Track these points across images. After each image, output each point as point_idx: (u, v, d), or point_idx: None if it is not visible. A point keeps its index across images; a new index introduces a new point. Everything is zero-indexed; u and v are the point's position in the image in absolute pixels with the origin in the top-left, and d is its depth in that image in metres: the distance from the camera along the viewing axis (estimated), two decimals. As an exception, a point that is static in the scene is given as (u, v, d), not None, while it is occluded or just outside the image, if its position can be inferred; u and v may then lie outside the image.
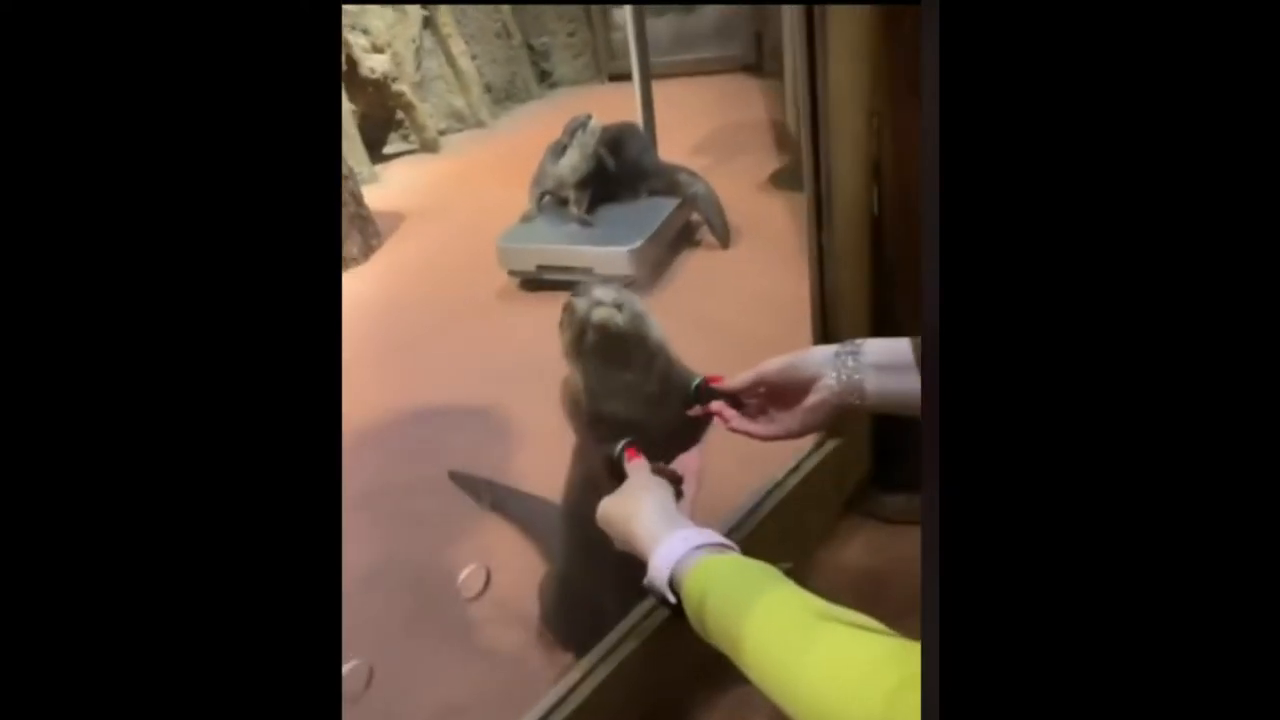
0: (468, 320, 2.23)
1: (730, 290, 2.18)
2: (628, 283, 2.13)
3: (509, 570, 1.42)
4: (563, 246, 2.18)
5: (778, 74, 3.46)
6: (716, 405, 0.97)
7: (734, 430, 0.96)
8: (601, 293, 0.94)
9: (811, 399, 0.89)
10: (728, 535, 0.79)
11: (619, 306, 0.94)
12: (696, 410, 0.99)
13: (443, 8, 3.56)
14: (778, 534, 1.22)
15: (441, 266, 2.56)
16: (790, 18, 2.59)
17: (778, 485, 1.24)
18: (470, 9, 3.70)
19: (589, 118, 2.22)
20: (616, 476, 0.93)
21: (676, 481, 0.89)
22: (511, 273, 2.27)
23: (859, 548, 1.38)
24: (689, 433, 1.04)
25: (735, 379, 0.95)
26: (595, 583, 1.12)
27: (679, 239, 2.37)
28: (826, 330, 1.25)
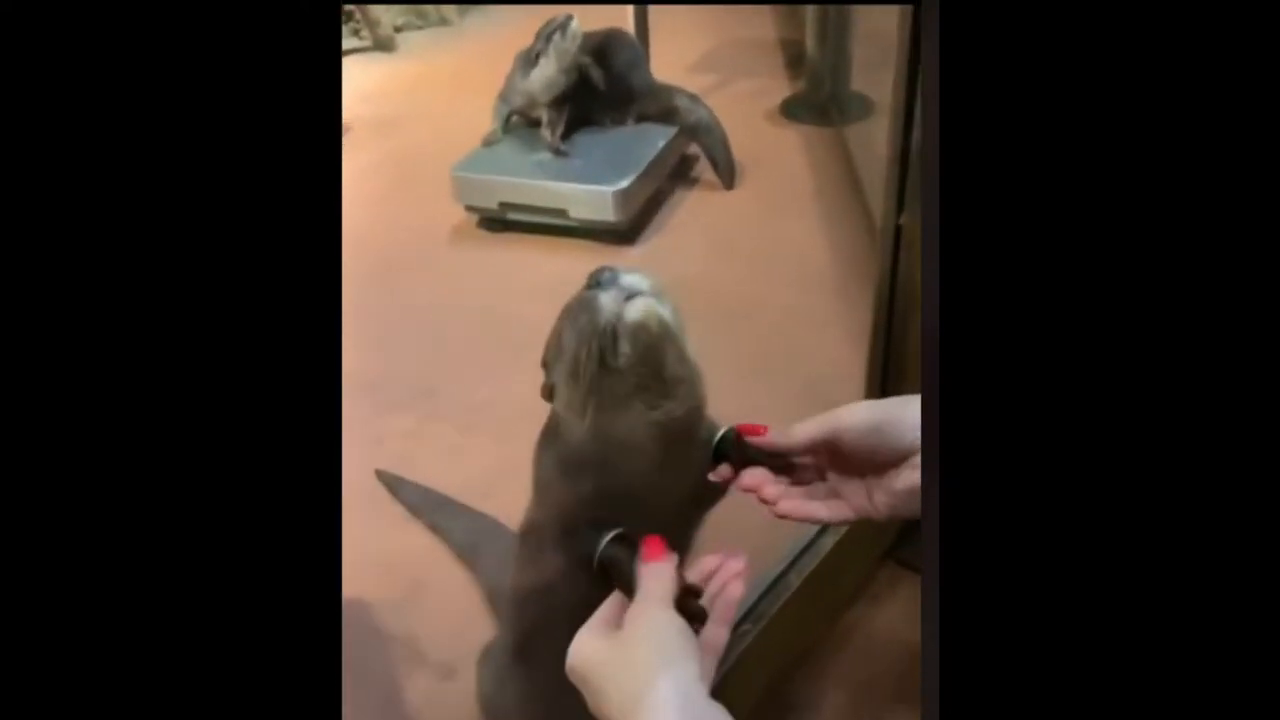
0: (411, 267, 1.84)
1: (734, 242, 1.83)
2: (612, 228, 1.75)
3: (439, 606, 1.10)
4: (531, 181, 1.79)
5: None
6: (753, 478, 0.63)
7: (783, 516, 0.62)
8: (631, 279, 0.60)
9: (907, 478, 0.58)
10: (749, 613, 0.68)
11: (659, 296, 0.60)
12: (722, 474, 0.65)
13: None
14: (808, 606, 0.91)
15: (385, 196, 2.15)
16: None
17: (809, 548, 0.91)
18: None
19: (569, 19, 1.80)
20: (610, 583, 0.60)
21: (701, 619, 0.56)
22: (469, 208, 1.87)
23: (899, 609, 1.08)
24: (699, 502, 0.70)
25: (790, 433, 0.61)
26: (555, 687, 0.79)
27: (673, 176, 1.98)
28: (891, 331, 0.90)
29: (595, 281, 0.59)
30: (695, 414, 0.65)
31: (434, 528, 1.21)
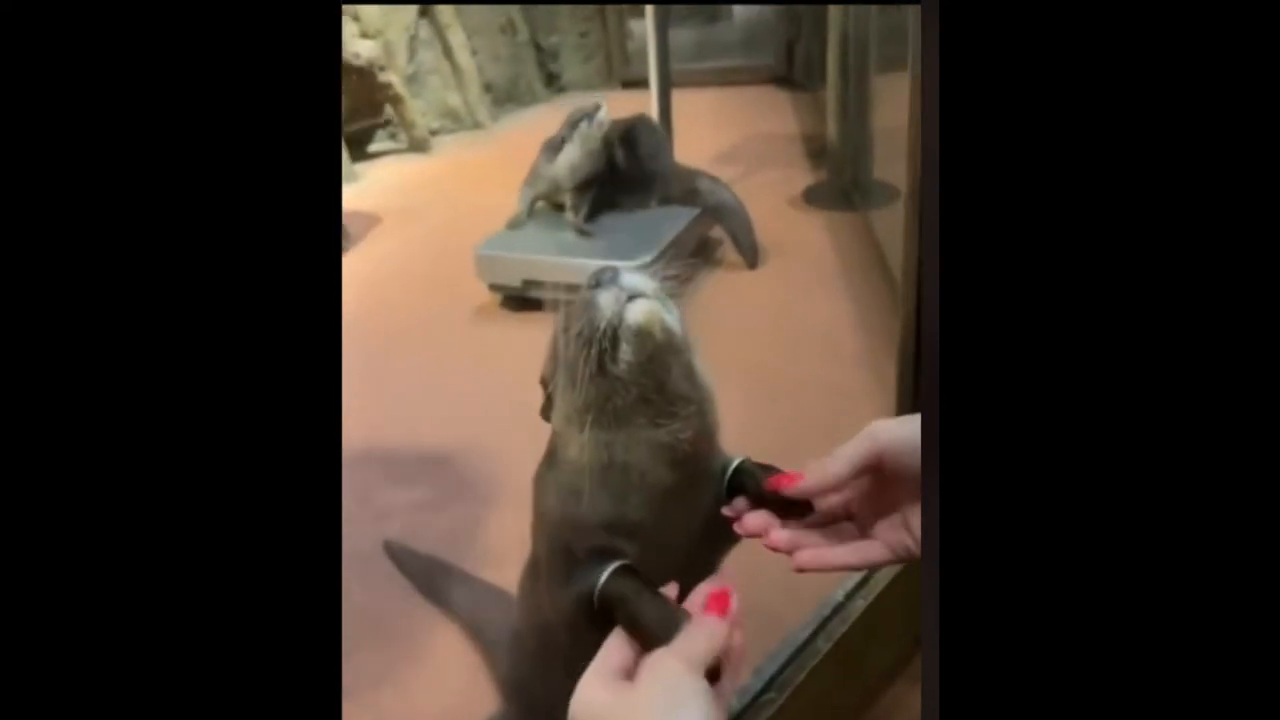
0: (435, 343, 1.84)
1: (761, 319, 1.80)
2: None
3: (441, 680, 1.05)
4: (553, 258, 1.79)
5: (811, 87, 3.13)
6: (756, 522, 0.57)
7: (805, 568, 0.56)
8: (633, 280, 0.55)
9: None
10: (773, 680, 0.64)
11: (664, 301, 0.56)
12: (737, 508, 0.59)
13: (443, -4, 3.21)
14: (839, 677, 0.82)
15: (413, 276, 2.17)
16: (836, 24, 2.24)
17: (838, 610, 0.83)
18: (474, 1, 3.36)
19: (598, 106, 1.84)
20: (610, 620, 0.55)
21: (716, 677, 0.49)
22: (493, 287, 1.88)
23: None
24: (712, 543, 0.64)
25: (828, 468, 0.55)
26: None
27: (697, 256, 1.97)
28: (919, 372, 0.85)
29: (595, 281, 0.55)
30: (705, 440, 0.59)
31: (438, 601, 1.15)
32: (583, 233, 1.85)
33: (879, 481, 0.55)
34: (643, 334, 0.53)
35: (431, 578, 1.17)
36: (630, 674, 0.51)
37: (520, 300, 1.85)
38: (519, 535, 1.30)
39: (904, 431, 0.53)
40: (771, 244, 2.03)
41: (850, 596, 0.86)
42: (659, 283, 0.56)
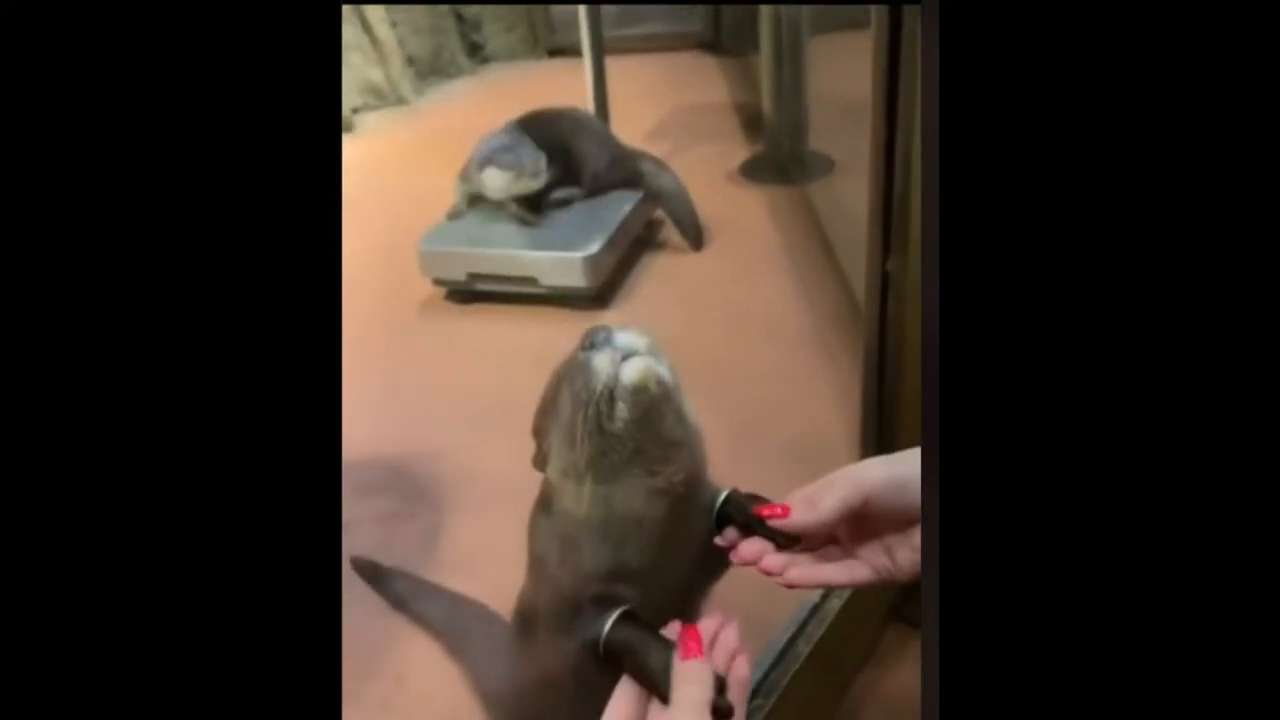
0: (382, 343, 1.80)
1: (707, 303, 1.81)
2: (582, 295, 1.73)
3: (424, 699, 1.06)
4: (500, 251, 1.77)
5: (740, 52, 3.12)
6: (751, 550, 0.59)
7: (793, 585, 0.59)
8: (626, 338, 0.57)
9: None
10: (760, 686, 0.65)
11: (656, 355, 0.58)
12: (729, 539, 0.61)
13: (357, -34, 3.07)
14: (820, 674, 0.86)
15: (352, 271, 2.10)
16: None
17: (815, 612, 0.87)
18: (390, -30, 3.23)
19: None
20: (617, 667, 0.56)
21: (729, 716, 0.51)
22: (437, 281, 1.85)
23: (910, 671, 1.03)
24: (704, 572, 0.66)
25: (818, 509, 0.57)
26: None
27: (640, 241, 1.98)
28: (883, 382, 0.88)
29: (590, 342, 0.56)
30: (696, 479, 0.61)
31: (415, 616, 1.15)
32: (526, 222, 1.83)
33: (861, 515, 0.57)
34: (639, 391, 0.55)
35: (404, 593, 1.17)
36: None
37: (466, 293, 1.83)
38: (486, 543, 1.31)
39: (887, 473, 0.56)
40: (713, 223, 2.04)
41: (825, 597, 0.89)
42: (650, 339, 0.57)
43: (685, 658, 0.53)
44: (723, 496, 0.63)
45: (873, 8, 0.70)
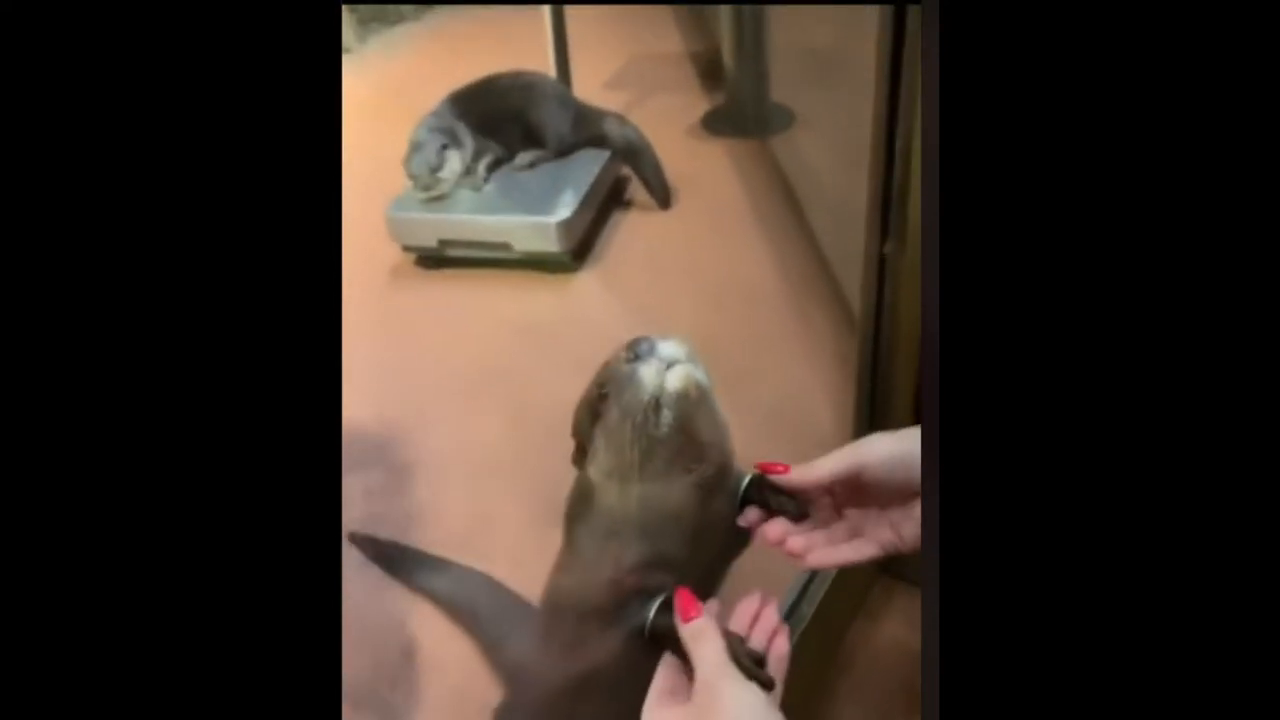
0: (354, 312, 1.76)
1: (678, 264, 1.83)
2: (556, 259, 1.74)
3: (435, 669, 1.09)
4: (472, 217, 1.75)
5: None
6: (777, 531, 0.63)
7: (814, 566, 0.63)
8: (669, 349, 0.61)
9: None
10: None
11: (694, 362, 0.62)
12: (750, 519, 0.65)
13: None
14: (823, 633, 0.92)
15: (312, 235, 2.07)
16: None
17: (814, 576, 0.92)
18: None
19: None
20: (659, 649, 0.61)
21: (771, 687, 0.56)
22: (406, 247, 1.83)
23: (898, 622, 1.10)
24: (727, 551, 0.70)
25: (813, 469, 0.61)
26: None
27: (608, 200, 1.97)
28: (876, 370, 0.92)
29: (635, 355, 0.59)
30: (725, 470, 0.65)
31: (419, 589, 1.17)
32: (475, 189, 1.81)
33: (862, 489, 0.62)
34: (682, 398, 0.58)
35: (405, 566, 1.19)
36: (682, 694, 0.57)
37: (437, 259, 1.81)
38: (478, 514, 1.33)
39: (889, 448, 0.60)
40: (678, 179, 2.04)
41: (825, 562, 0.94)
42: (689, 347, 0.60)
43: (686, 621, 0.57)
44: (747, 480, 0.66)
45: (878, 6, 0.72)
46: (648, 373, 0.59)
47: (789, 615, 0.89)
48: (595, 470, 0.63)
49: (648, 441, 0.59)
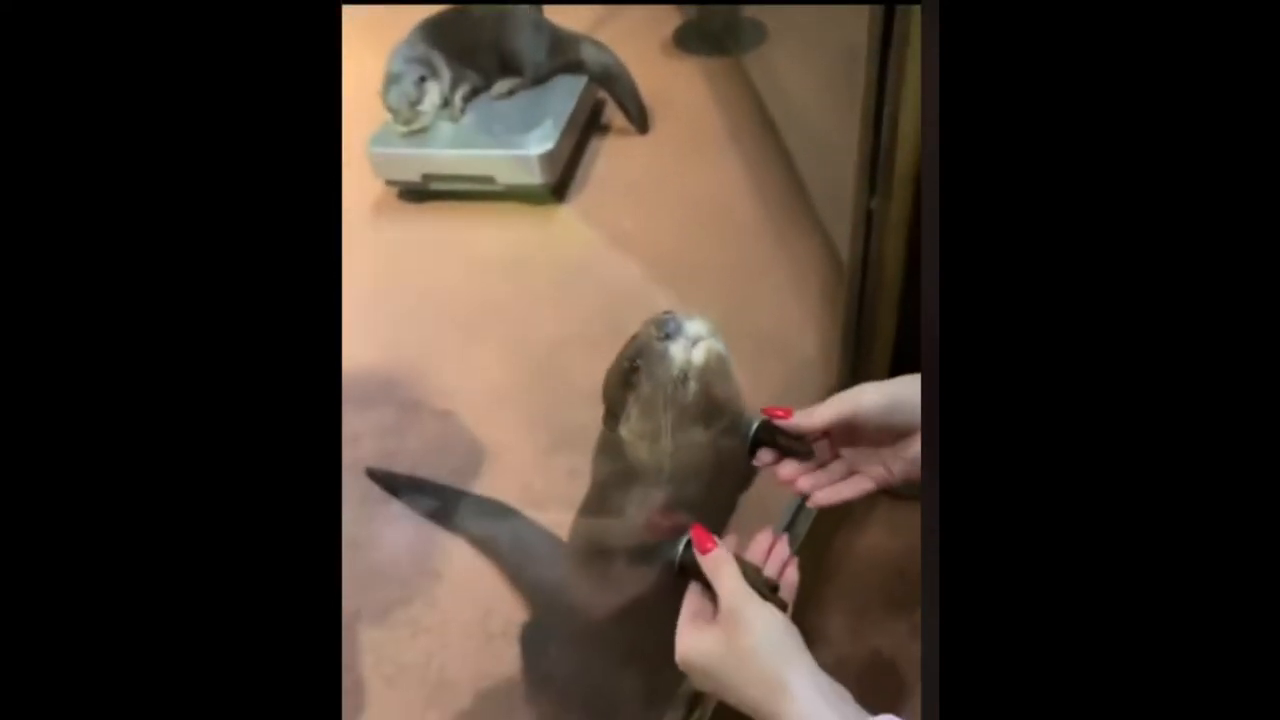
0: (344, 245, 1.80)
1: (660, 192, 1.87)
2: (538, 191, 1.77)
3: (464, 591, 1.17)
4: (454, 151, 1.77)
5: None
6: (789, 471, 0.72)
7: (819, 504, 0.72)
8: (694, 327, 0.68)
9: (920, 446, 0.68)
10: None
11: (716, 336, 0.69)
12: (764, 460, 0.74)
13: None
14: (817, 548, 1.03)
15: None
16: None
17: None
18: None
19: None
20: (687, 579, 0.70)
21: (785, 611, 0.66)
22: (389, 182, 1.84)
23: (880, 530, 1.22)
24: (738, 487, 0.80)
25: (812, 415, 0.70)
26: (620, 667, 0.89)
27: (587, 126, 1.99)
28: (862, 315, 1.00)
29: (664, 334, 0.67)
30: (738, 421, 0.74)
31: (439, 520, 1.27)
32: (452, 119, 1.82)
33: (856, 432, 0.71)
34: (707, 370, 0.66)
35: (426, 499, 1.28)
36: (708, 616, 0.67)
37: (420, 192, 1.83)
38: (488, 447, 1.41)
39: (878, 395, 0.68)
40: (653, 100, 2.04)
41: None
42: (712, 323, 0.68)
43: (704, 553, 0.67)
44: (756, 425, 0.75)
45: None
46: (677, 350, 0.67)
47: (788, 528, 1.00)
48: (627, 431, 0.71)
49: (676, 409, 0.67)
